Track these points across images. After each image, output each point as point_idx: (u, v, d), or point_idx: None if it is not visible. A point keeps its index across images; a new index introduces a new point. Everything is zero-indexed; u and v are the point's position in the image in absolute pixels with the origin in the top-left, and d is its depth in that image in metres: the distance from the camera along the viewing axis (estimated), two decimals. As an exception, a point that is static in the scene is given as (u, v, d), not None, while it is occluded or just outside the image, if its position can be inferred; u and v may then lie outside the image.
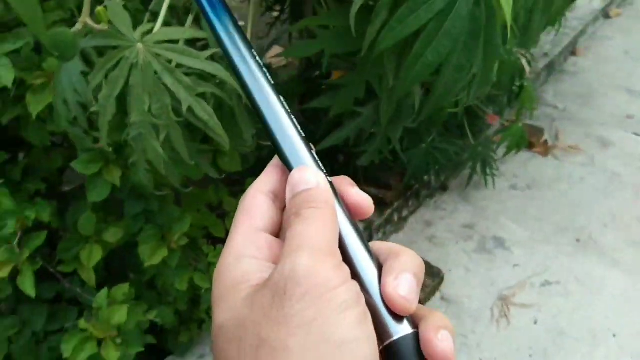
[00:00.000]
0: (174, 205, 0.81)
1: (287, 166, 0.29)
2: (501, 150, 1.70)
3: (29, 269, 0.69)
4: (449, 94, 0.54)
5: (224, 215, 1.02)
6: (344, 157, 1.71)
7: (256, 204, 0.28)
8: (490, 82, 0.59)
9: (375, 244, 0.28)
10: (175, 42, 0.50)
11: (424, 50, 0.47)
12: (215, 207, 1.04)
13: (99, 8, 0.46)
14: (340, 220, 0.27)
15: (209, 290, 0.89)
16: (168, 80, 0.47)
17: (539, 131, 2.00)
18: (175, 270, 0.82)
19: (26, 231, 0.71)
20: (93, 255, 0.78)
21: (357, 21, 0.51)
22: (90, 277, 0.79)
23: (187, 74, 0.51)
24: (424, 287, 1.42)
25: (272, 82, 0.30)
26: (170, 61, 0.48)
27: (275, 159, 0.30)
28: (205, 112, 0.48)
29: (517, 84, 1.58)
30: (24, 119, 0.78)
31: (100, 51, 0.57)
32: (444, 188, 1.82)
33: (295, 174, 0.28)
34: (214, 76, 0.55)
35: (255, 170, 1.36)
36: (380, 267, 0.27)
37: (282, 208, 0.29)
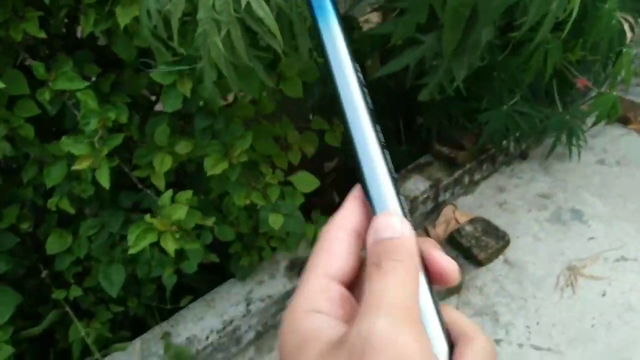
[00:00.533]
0: (238, 125, 0.86)
1: (371, 204, 0.27)
2: (591, 122, 1.58)
3: (106, 165, 0.78)
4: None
5: (287, 148, 1.05)
6: (421, 117, 1.69)
7: (337, 243, 0.27)
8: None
9: (449, 314, 0.26)
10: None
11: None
12: (281, 140, 1.09)
13: None
14: (420, 282, 0.25)
15: (265, 208, 0.94)
16: None
17: (639, 107, 1.82)
18: (234, 184, 0.87)
19: (107, 132, 0.80)
20: (164, 163, 0.85)
21: None
22: (160, 183, 0.86)
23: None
24: (487, 247, 1.39)
25: (371, 107, 0.28)
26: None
27: (357, 190, 0.28)
28: (262, 10, 0.50)
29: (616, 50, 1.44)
30: (114, 34, 0.85)
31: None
32: (523, 156, 1.73)
33: (380, 219, 0.26)
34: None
35: (321, 106, 1.38)
36: (451, 346, 0.25)
37: (363, 247, 0.27)
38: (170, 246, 0.79)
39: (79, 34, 1.09)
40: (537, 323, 1.26)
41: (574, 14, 0.71)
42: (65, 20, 1.01)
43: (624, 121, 1.77)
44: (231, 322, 1.29)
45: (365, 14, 1.91)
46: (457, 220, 1.53)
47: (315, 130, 1.06)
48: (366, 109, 0.28)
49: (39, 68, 0.80)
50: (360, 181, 0.27)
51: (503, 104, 1.48)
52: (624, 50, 1.41)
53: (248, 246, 1.29)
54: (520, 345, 1.24)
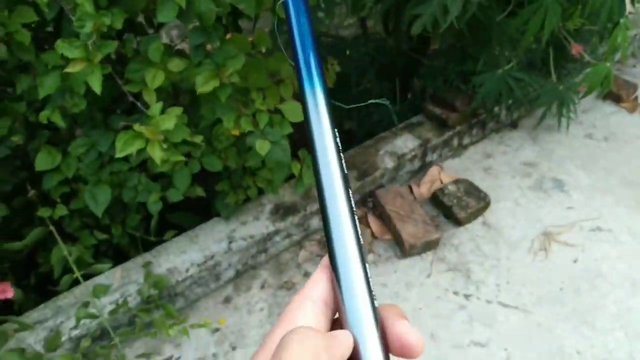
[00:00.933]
0: (232, 46, 0.87)
1: (337, 282, 0.28)
2: (584, 99, 1.60)
3: (99, 70, 0.79)
4: None
5: (280, 82, 1.07)
6: (419, 80, 1.70)
7: (302, 312, 0.27)
8: None
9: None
10: None
11: None
12: (274, 75, 1.10)
13: None
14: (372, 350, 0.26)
15: (253, 134, 0.95)
16: None
17: (632, 87, 1.84)
18: (224, 108, 0.89)
19: (102, 39, 0.81)
20: (157, 78, 0.87)
21: None
22: (152, 98, 0.88)
23: None
24: (467, 207, 1.42)
25: (346, 175, 0.30)
26: None
27: (326, 260, 0.29)
28: None
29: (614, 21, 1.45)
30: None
31: None
32: (513, 125, 1.76)
33: (344, 339, 0.26)
34: None
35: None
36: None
37: (333, 315, 0.28)
38: (157, 154, 0.80)
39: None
40: (508, 282, 1.30)
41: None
42: None
43: (617, 99, 1.79)
44: (212, 257, 1.32)
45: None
46: (441, 181, 1.56)
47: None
48: (343, 183, 0.30)
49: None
50: (329, 252, 0.28)
51: (499, 67, 1.49)
52: (622, 20, 1.42)
53: (234, 185, 1.31)
54: (489, 302, 1.28)
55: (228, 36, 1.09)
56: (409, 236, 1.36)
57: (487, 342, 1.18)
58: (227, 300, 1.35)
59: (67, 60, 0.85)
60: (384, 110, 1.74)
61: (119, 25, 0.78)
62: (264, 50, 1.07)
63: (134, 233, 1.34)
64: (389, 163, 1.52)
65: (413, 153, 1.56)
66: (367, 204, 1.51)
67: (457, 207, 1.43)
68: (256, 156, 1.04)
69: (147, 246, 1.36)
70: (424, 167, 1.61)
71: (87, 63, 0.79)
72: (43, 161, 1.09)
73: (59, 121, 1.00)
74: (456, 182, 1.50)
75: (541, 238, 1.38)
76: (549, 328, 1.20)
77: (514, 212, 1.46)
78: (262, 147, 0.94)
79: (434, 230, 1.38)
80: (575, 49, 1.42)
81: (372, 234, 1.44)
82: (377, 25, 1.74)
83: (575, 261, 1.33)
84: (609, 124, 1.72)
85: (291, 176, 1.29)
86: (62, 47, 0.80)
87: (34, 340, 1.18)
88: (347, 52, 1.69)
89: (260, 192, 1.36)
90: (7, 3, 0.89)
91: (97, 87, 0.79)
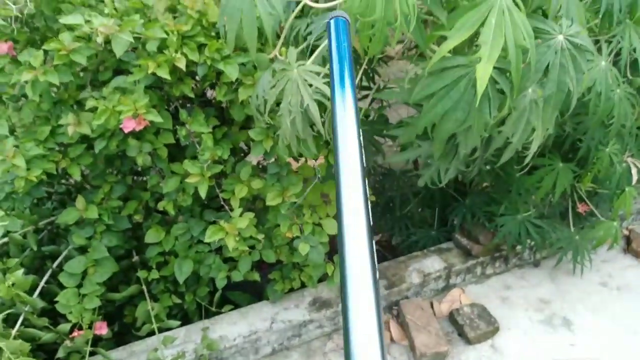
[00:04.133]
0: (295, 175, 1.26)
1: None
2: (601, 250, 1.81)
3: (207, 182, 1.20)
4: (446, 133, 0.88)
5: (329, 203, 1.44)
6: (451, 213, 2.00)
7: None
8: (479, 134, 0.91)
9: None
10: (316, 72, 0.94)
11: (432, 107, 0.83)
12: (327, 196, 1.47)
13: (283, 49, 0.94)
14: None
15: (299, 239, 1.31)
16: (302, 89, 0.91)
17: (654, 244, 2.01)
18: (283, 216, 1.26)
19: (213, 162, 1.23)
20: (242, 191, 1.27)
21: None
22: (236, 204, 1.27)
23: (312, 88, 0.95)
24: (477, 328, 1.64)
25: (364, 165, 0.35)
26: (306, 80, 0.92)
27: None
28: (314, 110, 0.90)
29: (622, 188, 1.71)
30: (233, 102, 1.32)
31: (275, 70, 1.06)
32: (536, 264, 1.97)
33: None
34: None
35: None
36: None
37: None
38: (231, 244, 1.17)
39: (208, 96, 1.59)
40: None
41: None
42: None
43: (636, 254, 1.96)
44: (256, 332, 1.62)
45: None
46: (461, 302, 1.79)
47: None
48: (361, 173, 0.34)
49: (183, 114, 1.27)
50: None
51: (519, 213, 1.77)
52: (627, 189, 1.68)
53: (283, 276, 1.65)
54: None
55: (300, 164, 1.50)
56: (421, 344, 1.59)
57: None
58: (262, 372, 1.62)
59: (187, 172, 1.29)
60: (423, 233, 2.04)
61: (225, 156, 1.20)
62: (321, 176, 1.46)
63: (200, 302, 1.69)
64: (416, 279, 1.79)
65: (438, 274, 1.82)
66: (392, 311, 1.76)
67: (468, 327, 1.65)
68: (299, 256, 1.39)
69: (208, 314, 1.70)
70: (447, 288, 1.86)
71: (201, 177, 1.21)
72: (152, 236, 1.51)
73: (171, 210, 1.42)
74: (472, 305, 1.73)
75: (541, 367, 1.55)
76: None
77: (521, 341, 1.65)
78: (303, 248, 1.28)
79: (445, 343, 1.60)
80: (582, 207, 1.68)
81: (392, 338, 1.68)
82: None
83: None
84: (625, 276, 1.89)
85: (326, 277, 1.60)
86: (187, 165, 1.23)
87: (110, 373, 1.50)
88: (396, 182, 2.05)
89: (303, 285, 1.67)
90: (156, 129, 1.36)
91: (203, 194, 1.20)
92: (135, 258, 1.64)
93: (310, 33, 1.07)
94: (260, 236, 1.28)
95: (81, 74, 1.35)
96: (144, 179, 1.58)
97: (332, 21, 0.50)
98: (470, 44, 1.00)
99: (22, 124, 1.40)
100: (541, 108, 1.00)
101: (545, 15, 1.06)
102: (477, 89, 0.77)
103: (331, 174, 1.60)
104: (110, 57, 1.32)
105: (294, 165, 1.40)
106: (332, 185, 1.46)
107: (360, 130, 0.39)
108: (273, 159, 1.27)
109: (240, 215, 1.22)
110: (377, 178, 2.04)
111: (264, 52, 1.10)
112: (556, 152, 1.65)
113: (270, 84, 1.01)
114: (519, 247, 1.91)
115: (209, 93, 1.58)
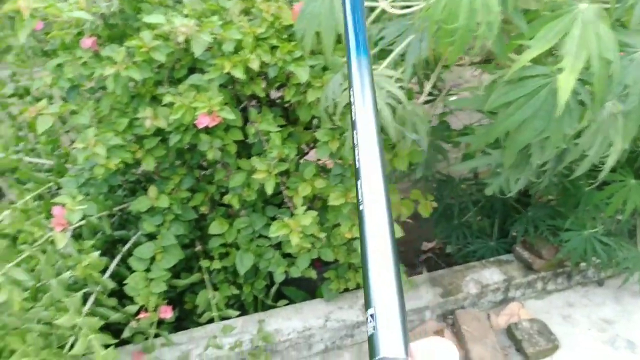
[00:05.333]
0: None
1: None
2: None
3: (273, 179, 1.24)
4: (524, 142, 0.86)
5: (390, 206, 1.44)
6: (512, 224, 1.95)
7: None
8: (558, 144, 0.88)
9: None
10: (389, 76, 0.95)
11: (509, 115, 0.82)
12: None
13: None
14: None
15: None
16: (379, 92, 0.92)
17: None
18: (345, 216, 1.27)
19: (278, 161, 1.27)
20: (305, 189, 1.29)
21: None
22: (299, 202, 1.30)
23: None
24: (536, 344, 1.59)
25: (380, 130, 0.36)
26: (378, 84, 0.93)
27: None
28: (387, 114, 0.91)
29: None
30: (301, 103, 1.34)
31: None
32: (600, 283, 1.89)
33: None
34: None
35: (420, 183, 1.75)
36: None
37: None
38: (294, 240, 1.20)
39: (272, 97, 1.63)
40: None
41: None
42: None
43: None
44: (310, 329, 1.65)
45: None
46: (519, 317, 1.74)
47: (413, 200, 1.43)
48: (377, 138, 0.37)
49: (253, 113, 1.31)
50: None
51: (585, 229, 1.70)
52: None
53: (339, 276, 1.66)
54: None
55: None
56: (477, 356, 1.56)
57: None
58: (313, 369, 1.65)
59: (253, 169, 1.33)
60: (481, 244, 2.00)
61: (292, 155, 1.23)
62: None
63: (257, 294, 1.73)
64: (473, 289, 1.76)
65: (497, 286, 1.78)
66: (446, 320, 1.74)
67: (527, 342, 1.60)
68: (358, 256, 1.40)
69: (263, 307, 1.74)
70: (506, 301, 1.81)
71: (267, 174, 1.24)
72: (215, 228, 1.56)
73: (235, 204, 1.47)
74: (531, 320, 1.68)
75: (603, 391, 1.48)
76: None
77: (582, 361, 1.58)
78: (364, 250, 1.29)
79: (501, 357, 1.56)
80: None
81: (445, 347, 1.66)
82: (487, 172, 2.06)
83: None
84: (701, 302, 1.77)
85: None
86: (255, 161, 1.27)
87: (169, 357, 1.58)
88: (455, 190, 2.02)
89: (358, 286, 1.68)
90: (226, 125, 1.41)
91: (269, 190, 1.24)
92: (198, 248, 1.71)
93: (382, 38, 1.07)
94: (322, 235, 1.30)
95: (157, 71, 1.43)
96: (209, 173, 1.64)
97: None
98: (548, 54, 0.97)
99: (99, 115, 1.49)
100: (620, 122, 0.96)
101: (624, 26, 1.02)
102: (558, 100, 0.76)
103: (394, 178, 1.60)
104: (186, 56, 1.39)
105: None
106: (392, 189, 1.46)
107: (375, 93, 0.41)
108: (337, 160, 1.29)
109: (304, 213, 1.25)
110: (434, 185, 2.01)
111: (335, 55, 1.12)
112: (629, 168, 1.57)
113: (342, 86, 1.02)
114: (583, 264, 1.83)
115: (272, 94, 1.63)
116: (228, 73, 1.22)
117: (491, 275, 1.81)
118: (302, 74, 1.19)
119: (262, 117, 1.30)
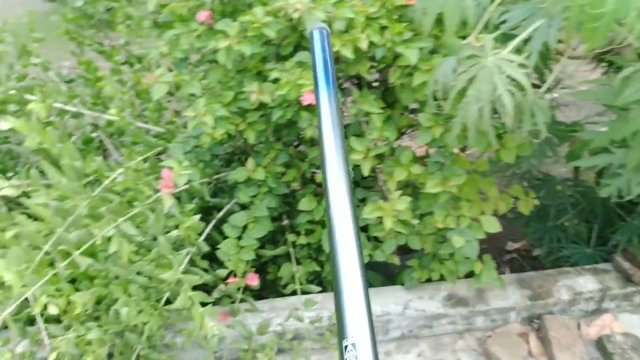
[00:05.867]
0: (458, 166, 1.24)
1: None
2: None
3: (370, 161, 1.23)
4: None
5: (485, 200, 1.39)
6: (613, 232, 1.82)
7: None
8: None
9: None
10: (511, 61, 0.90)
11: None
12: (482, 192, 1.43)
13: (480, 35, 0.92)
14: None
15: (454, 231, 1.28)
16: (496, 78, 0.88)
17: None
18: (440, 205, 1.25)
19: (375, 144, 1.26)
20: (400, 174, 1.28)
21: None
22: (393, 187, 1.29)
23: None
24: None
25: (345, 145, 0.44)
26: (501, 69, 0.89)
27: None
28: (507, 100, 0.87)
29: None
30: (405, 86, 1.32)
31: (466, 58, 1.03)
32: None
33: None
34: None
35: (522, 178, 1.67)
36: None
37: None
38: (388, 224, 1.20)
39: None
40: None
41: None
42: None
43: None
44: (388, 314, 1.64)
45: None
46: (612, 329, 1.63)
47: (512, 196, 1.37)
48: (343, 155, 0.44)
49: (355, 92, 1.31)
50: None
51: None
52: None
53: (422, 265, 1.64)
54: None
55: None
56: (563, 365, 1.48)
57: None
58: (388, 354, 1.65)
59: (349, 149, 1.33)
60: (577, 249, 1.89)
61: (392, 138, 1.22)
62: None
63: (338, 274, 1.75)
64: (565, 295, 1.66)
65: (591, 295, 1.67)
66: (532, 324, 1.67)
67: (619, 357, 1.50)
68: (449, 247, 1.37)
69: (343, 288, 1.76)
70: (598, 312, 1.70)
71: (365, 156, 1.24)
72: (305, 204, 1.59)
73: (327, 182, 1.48)
74: (625, 334, 1.56)
75: None
76: None
77: (684, 387, 1.45)
78: (457, 241, 1.26)
79: (590, 369, 1.47)
80: None
81: (530, 352, 1.59)
82: (590, 173, 1.93)
83: None
84: None
85: (468, 275, 1.56)
86: (353, 141, 1.27)
87: (251, 322, 1.64)
88: (553, 190, 1.91)
89: (442, 278, 1.65)
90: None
91: (365, 171, 1.24)
92: (285, 222, 1.76)
93: (504, 21, 1.02)
94: (415, 221, 1.28)
95: (263, 47, 1.46)
96: (302, 150, 1.67)
97: (315, 31, 0.59)
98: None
99: (205, 87, 1.55)
100: None
101: None
102: None
103: (493, 170, 1.54)
104: (294, 33, 1.41)
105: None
106: (490, 182, 1.41)
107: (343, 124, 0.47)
108: (438, 147, 1.26)
109: (399, 198, 1.24)
110: (531, 183, 1.91)
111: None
112: None
113: (456, 70, 0.99)
114: (694, 283, 1.67)
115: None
116: (335, 52, 1.23)
117: (585, 283, 1.70)
118: (411, 56, 1.16)
119: (364, 98, 1.30)
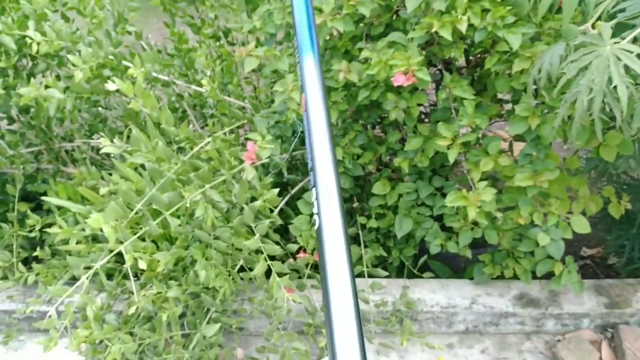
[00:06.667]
0: (551, 161, 1.19)
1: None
2: None
3: (458, 149, 1.21)
4: None
5: (575, 199, 1.33)
6: None
7: None
8: None
9: None
10: (629, 51, 0.85)
11: None
12: (573, 191, 1.36)
13: (598, 23, 0.87)
14: None
15: (539, 228, 1.24)
16: (612, 68, 0.83)
17: None
18: (526, 200, 1.21)
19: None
20: (487, 165, 1.24)
21: None
22: (477, 177, 1.26)
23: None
24: None
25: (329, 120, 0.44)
26: (619, 59, 0.84)
27: None
28: (623, 92, 0.82)
29: None
30: (501, 73, 1.27)
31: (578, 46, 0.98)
32: None
33: None
34: None
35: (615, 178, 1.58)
36: None
37: None
38: (471, 213, 1.17)
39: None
40: None
41: None
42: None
43: None
44: (454, 306, 1.62)
45: None
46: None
47: (603, 197, 1.30)
48: (327, 131, 0.47)
49: (447, 77, 1.28)
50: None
51: None
52: None
53: (495, 261, 1.59)
54: None
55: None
56: (640, 379, 1.41)
57: None
58: (450, 346, 1.63)
59: (431, 135, 1.31)
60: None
61: (483, 125, 1.19)
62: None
63: (405, 261, 1.74)
64: (645, 307, 1.57)
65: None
66: (605, 332, 1.59)
67: None
68: (528, 245, 1.32)
69: (410, 274, 1.75)
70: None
71: (451, 142, 1.22)
72: (378, 188, 1.58)
73: (405, 168, 1.46)
74: None
75: None
76: None
77: None
78: (543, 239, 1.22)
79: (670, 388, 1.39)
80: None
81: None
82: None
83: None
84: None
85: (546, 276, 1.50)
86: (441, 127, 1.25)
87: (315, 299, 1.66)
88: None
89: (515, 276, 1.60)
90: (412, 87, 1.40)
91: (452, 158, 1.22)
92: (356, 204, 1.76)
93: (622, 10, 0.96)
94: (499, 214, 1.25)
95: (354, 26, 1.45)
96: (380, 133, 1.66)
97: None
98: None
99: (293, 64, 1.57)
100: None
101: None
102: None
103: (588, 168, 1.46)
104: (386, 13, 1.39)
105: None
106: (580, 181, 1.34)
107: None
108: (531, 140, 1.21)
109: (484, 189, 1.21)
110: (618, 186, 1.81)
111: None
112: None
113: (565, 59, 0.94)
114: None
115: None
116: (432, 33, 1.20)
117: None
118: (514, 41, 1.12)
119: (456, 82, 1.27)
